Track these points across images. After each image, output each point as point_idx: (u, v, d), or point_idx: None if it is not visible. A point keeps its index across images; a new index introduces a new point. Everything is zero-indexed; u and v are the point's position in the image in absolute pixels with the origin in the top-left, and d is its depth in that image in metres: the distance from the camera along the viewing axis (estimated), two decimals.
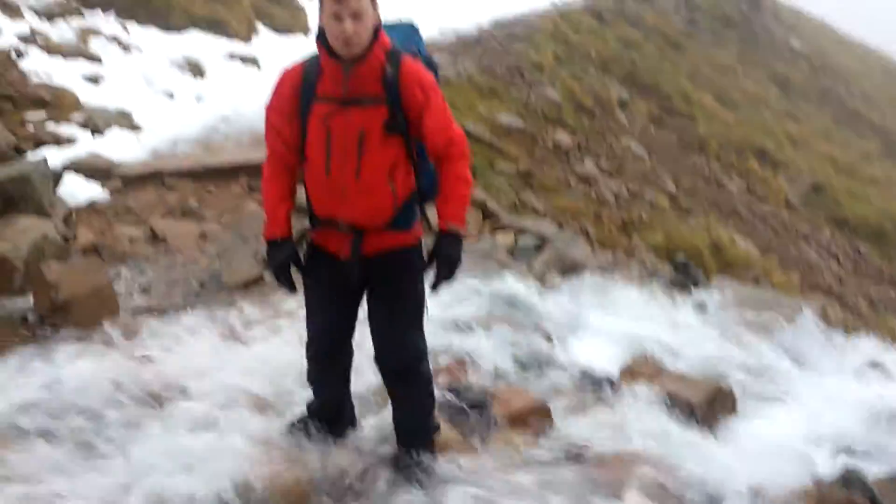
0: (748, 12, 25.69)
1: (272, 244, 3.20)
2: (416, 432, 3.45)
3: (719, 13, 24.42)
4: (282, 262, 3.19)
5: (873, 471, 3.95)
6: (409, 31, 3.28)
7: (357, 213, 3.06)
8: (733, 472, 3.73)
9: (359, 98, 2.93)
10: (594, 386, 4.56)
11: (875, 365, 5.93)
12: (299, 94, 3.01)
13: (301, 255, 3.23)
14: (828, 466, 4.05)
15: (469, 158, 3.15)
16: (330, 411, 3.57)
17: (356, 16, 2.82)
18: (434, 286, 3.16)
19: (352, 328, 3.36)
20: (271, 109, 3.12)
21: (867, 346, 6.49)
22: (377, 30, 2.93)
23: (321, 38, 2.94)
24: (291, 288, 3.25)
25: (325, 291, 3.24)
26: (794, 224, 15.50)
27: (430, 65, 3.20)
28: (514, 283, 6.00)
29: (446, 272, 3.14)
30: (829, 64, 26.79)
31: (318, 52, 2.99)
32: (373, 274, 3.17)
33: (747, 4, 26.09)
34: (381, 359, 3.29)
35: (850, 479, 3.78)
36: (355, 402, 3.68)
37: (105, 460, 3.32)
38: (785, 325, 6.26)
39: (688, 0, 24.09)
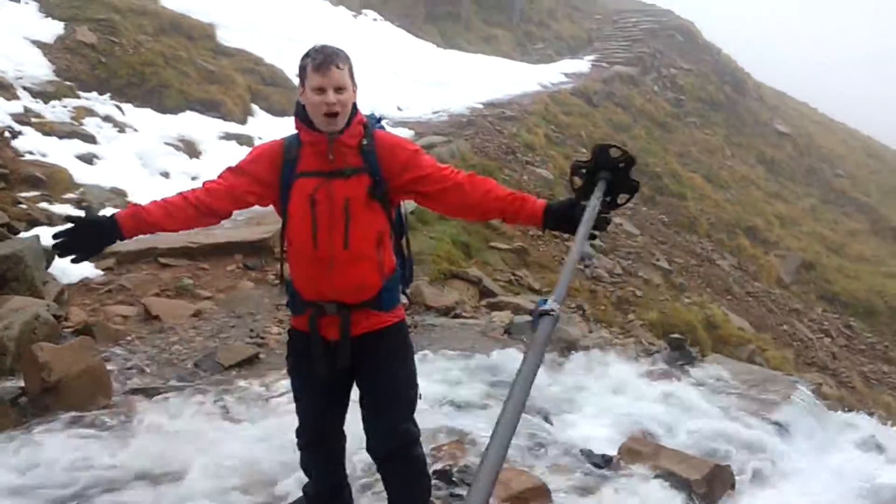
0: (733, 95, 26.30)
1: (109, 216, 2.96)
2: None
3: (705, 96, 24.99)
4: (86, 223, 2.92)
5: None
6: (373, 120, 3.30)
7: (345, 286, 3.04)
8: None
9: (341, 169, 2.99)
10: (593, 465, 4.50)
11: (871, 442, 5.89)
12: (279, 172, 3.04)
13: (97, 246, 2.92)
14: None
15: None
16: (326, 497, 3.50)
17: (339, 89, 2.93)
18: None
19: (342, 414, 3.32)
20: (234, 172, 3.07)
21: (863, 422, 6.46)
22: (354, 106, 3.04)
23: (300, 115, 3.03)
24: (61, 245, 2.87)
25: (311, 379, 3.18)
26: (786, 301, 15.57)
27: None
28: (511, 362, 5.97)
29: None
30: (814, 145, 27.31)
31: (296, 132, 3.05)
32: (361, 355, 3.12)
33: (732, 87, 26.72)
34: (372, 445, 3.24)
35: None
36: (352, 484, 3.61)
37: None
38: (781, 402, 6.22)
39: (674, 83, 24.67)
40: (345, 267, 3.02)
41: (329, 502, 3.49)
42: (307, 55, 2.97)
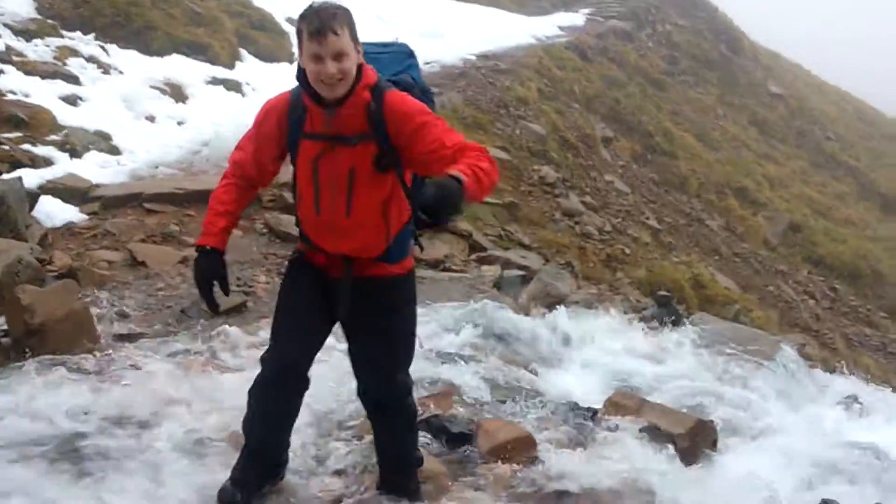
0: (728, 53, 26.10)
1: (201, 252, 3.00)
2: (399, 460, 3.38)
3: (699, 54, 24.79)
4: (205, 275, 3.00)
5: None
6: (402, 56, 3.19)
7: (348, 247, 2.97)
8: None
9: (346, 136, 2.82)
10: (578, 418, 4.53)
11: (852, 400, 5.98)
12: (286, 130, 2.91)
13: (225, 273, 3.02)
14: (805, 500, 4.05)
15: (493, 162, 2.74)
16: (268, 455, 3.28)
17: (338, 56, 2.70)
18: (417, 221, 2.71)
19: (316, 348, 3.12)
20: (251, 139, 3.02)
21: (844, 382, 6.56)
22: (360, 69, 2.80)
23: (302, 80, 2.82)
24: (212, 304, 3.07)
25: (304, 298, 3.08)
26: (773, 262, 15.65)
27: (426, 93, 3.09)
28: (500, 315, 5.98)
29: (435, 207, 2.49)
30: (806, 107, 27.22)
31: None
32: (361, 300, 3.02)
33: (727, 46, 26.51)
34: (365, 392, 3.21)
35: None
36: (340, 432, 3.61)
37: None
38: (765, 361, 6.28)
39: (669, 40, 24.45)
40: (347, 232, 2.93)
41: (269, 463, 3.31)
42: (302, 17, 2.71)
